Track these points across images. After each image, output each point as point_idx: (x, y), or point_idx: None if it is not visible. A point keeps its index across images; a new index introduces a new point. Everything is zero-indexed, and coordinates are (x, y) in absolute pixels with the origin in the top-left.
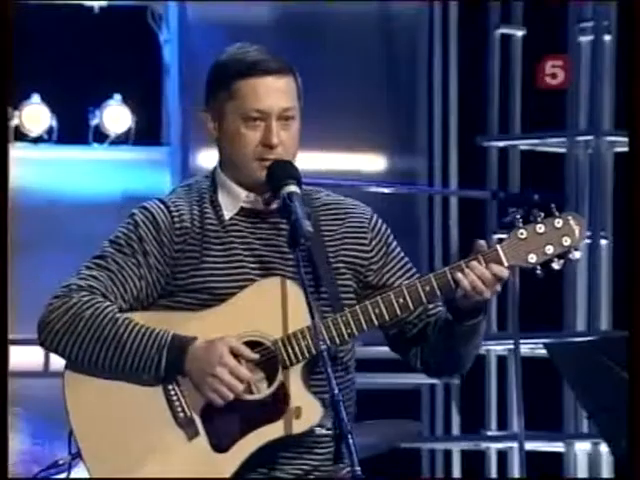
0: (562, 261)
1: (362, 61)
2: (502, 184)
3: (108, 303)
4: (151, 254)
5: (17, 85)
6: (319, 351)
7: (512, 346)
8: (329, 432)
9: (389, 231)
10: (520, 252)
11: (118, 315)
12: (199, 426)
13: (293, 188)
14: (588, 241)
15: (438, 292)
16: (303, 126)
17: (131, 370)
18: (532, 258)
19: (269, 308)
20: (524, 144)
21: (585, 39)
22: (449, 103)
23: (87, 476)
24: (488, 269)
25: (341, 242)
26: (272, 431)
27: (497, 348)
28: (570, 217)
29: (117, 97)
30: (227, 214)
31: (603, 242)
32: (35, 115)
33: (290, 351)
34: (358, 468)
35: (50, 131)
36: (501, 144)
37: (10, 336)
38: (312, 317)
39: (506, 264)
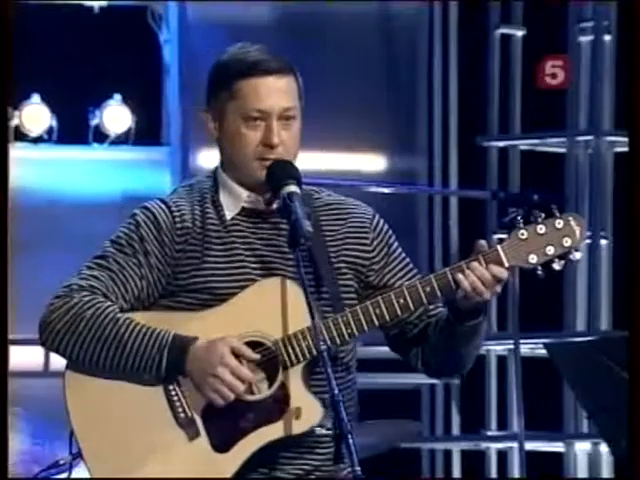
0: (563, 262)
1: (362, 61)
2: (502, 184)
3: (109, 303)
4: (152, 254)
5: (17, 85)
6: (319, 351)
7: (512, 346)
8: (329, 432)
9: (391, 231)
10: (521, 253)
11: (119, 315)
12: (200, 426)
13: (293, 188)
14: (588, 241)
15: (439, 293)
16: (303, 126)
17: (132, 370)
18: (533, 259)
19: (270, 308)
20: (524, 144)
21: (585, 39)
22: (449, 103)
23: (88, 476)
24: (488, 270)
25: (343, 242)
26: (272, 431)
27: (497, 348)
28: (571, 218)
29: (117, 97)
30: (228, 214)
31: (603, 242)
32: (35, 115)
33: (291, 351)
34: (358, 468)
35: (50, 131)
36: (501, 144)
37: (10, 336)
38: (312, 317)
39: (507, 264)
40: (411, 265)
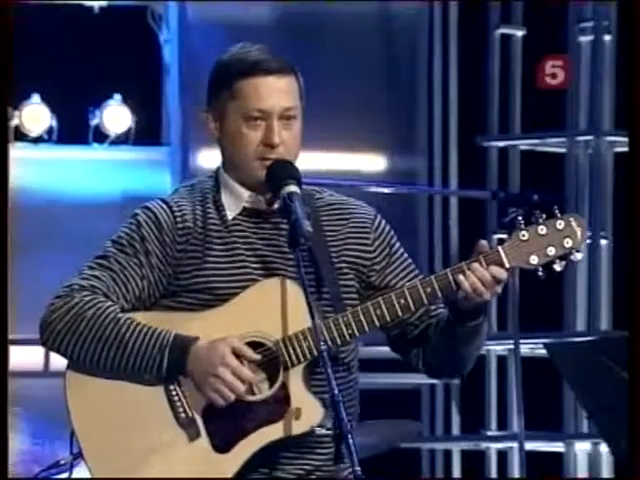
0: (564, 262)
1: (362, 61)
2: (502, 184)
3: (110, 303)
4: (153, 254)
5: (17, 85)
6: (319, 351)
7: (512, 346)
8: (329, 432)
9: (392, 232)
10: (522, 253)
11: (120, 315)
12: (200, 427)
13: (293, 188)
14: (588, 241)
15: (439, 293)
16: (303, 126)
17: (133, 370)
18: (534, 259)
19: (271, 308)
20: (524, 144)
21: (585, 39)
22: (449, 103)
23: (88, 476)
24: (489, 271)
25: (344, 242)
26: (273, 432)
27: (497, 348)
28: (572, 218)
29: (117, 97)
30: (230, 214)
31: (603, 242)
32: (35, 115)
33: (291, 352)
34: (358, 468)
35: (50, 131)
36: (501, 144)
37: (10, 336)
38: (312, 318)
39: (507, 265)
40: (413, 266)
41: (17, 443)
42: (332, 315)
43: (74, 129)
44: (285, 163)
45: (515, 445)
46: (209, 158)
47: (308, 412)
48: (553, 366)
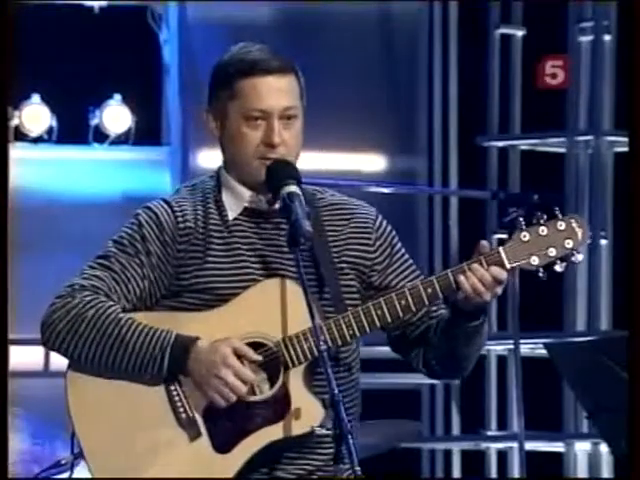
0: (564, 263)
1: (362, 61)
2: (502, 184)
3: (111, 303)
4: (154, 254)
5: (17, 85)
6: (319, 352)
7: (512, 346)
8: (329, 432)
9: (394, 232)
10: (522, 254)
11: (121, 315)
12: (201, 427)
13: (293, 188)
14: (588, 241)
15: (440, 294)
16: (304, 126)
17: (134, 370)
18: (534, 260)
19: (272, 309)
20: (524, 144)
21: (585, 39)
22: (449, 103)
23: (89, 476)
24: (489, 272)
25: (345, 242)
26: (274, 432)
27: (497, 348)
28: (573, 219)
29: (117, 97)
30: (231, 214)
31: (603, 242)
32: (35, 115)
33: (292, 352)
34: (358, 468)
35: (50, 131)
36: (501, 144)
37: (10, 336)
38: (312, 318)
39: (508, 266)
40: (414, 266)
41: (17, 443)
42: (333, 315)
43: (74, 129)
44: (284, 163)
45: (515, 445)
46: (209, 158)
47: (308, 412)
48: (553, 366)
